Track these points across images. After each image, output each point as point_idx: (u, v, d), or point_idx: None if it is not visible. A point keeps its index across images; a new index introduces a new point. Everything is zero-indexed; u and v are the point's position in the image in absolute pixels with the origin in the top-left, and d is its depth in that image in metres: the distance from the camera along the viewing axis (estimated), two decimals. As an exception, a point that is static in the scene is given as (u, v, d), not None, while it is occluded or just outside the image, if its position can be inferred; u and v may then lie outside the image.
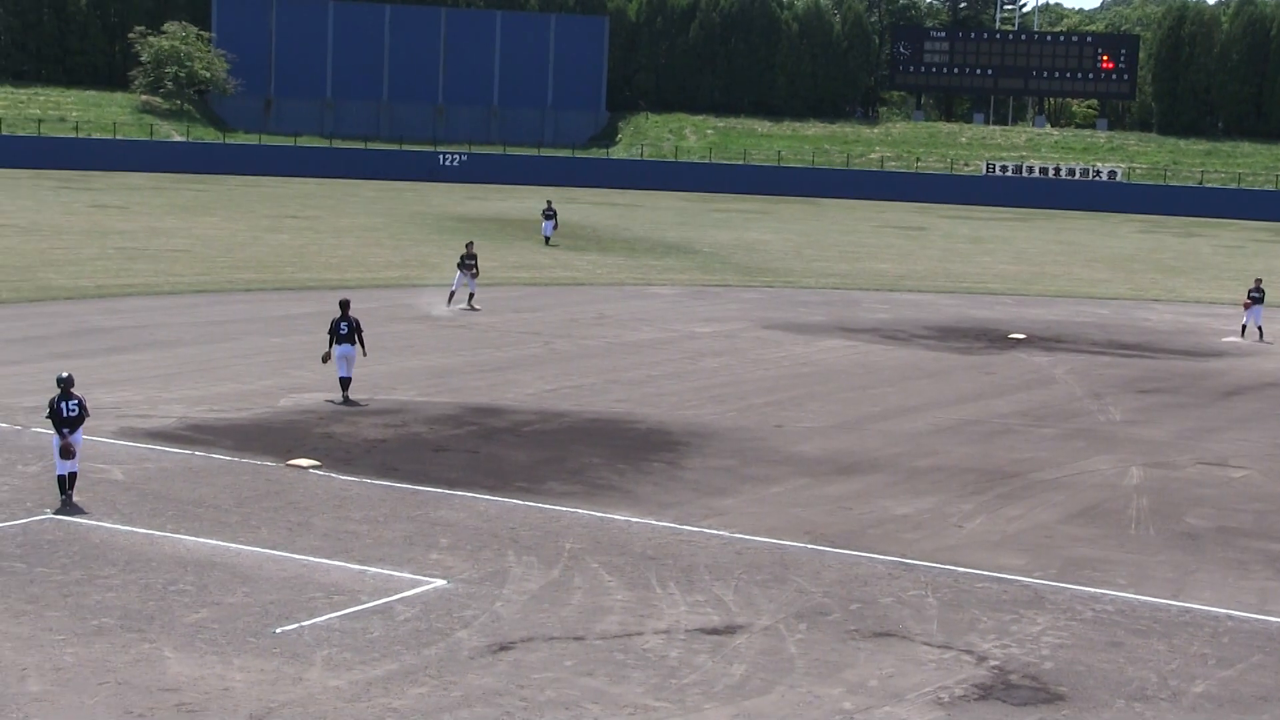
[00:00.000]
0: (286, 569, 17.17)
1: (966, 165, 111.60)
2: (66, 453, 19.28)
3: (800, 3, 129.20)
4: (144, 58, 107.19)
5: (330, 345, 27.27)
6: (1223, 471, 24.77)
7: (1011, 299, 49.92)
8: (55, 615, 15.33)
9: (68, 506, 19.21)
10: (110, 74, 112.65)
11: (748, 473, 23.03)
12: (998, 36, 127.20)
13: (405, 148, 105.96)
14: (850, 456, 24.51)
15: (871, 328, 40.72)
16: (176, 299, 40.35)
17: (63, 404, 19.37)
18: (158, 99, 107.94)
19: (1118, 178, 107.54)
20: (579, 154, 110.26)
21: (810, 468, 23.54)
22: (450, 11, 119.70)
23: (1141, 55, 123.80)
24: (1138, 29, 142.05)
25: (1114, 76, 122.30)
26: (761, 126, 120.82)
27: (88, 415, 19.83)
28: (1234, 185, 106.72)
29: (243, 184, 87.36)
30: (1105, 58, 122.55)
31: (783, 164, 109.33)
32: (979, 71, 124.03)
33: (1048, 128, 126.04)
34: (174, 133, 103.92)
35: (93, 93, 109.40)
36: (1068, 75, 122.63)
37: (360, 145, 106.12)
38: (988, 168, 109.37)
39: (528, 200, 79.45)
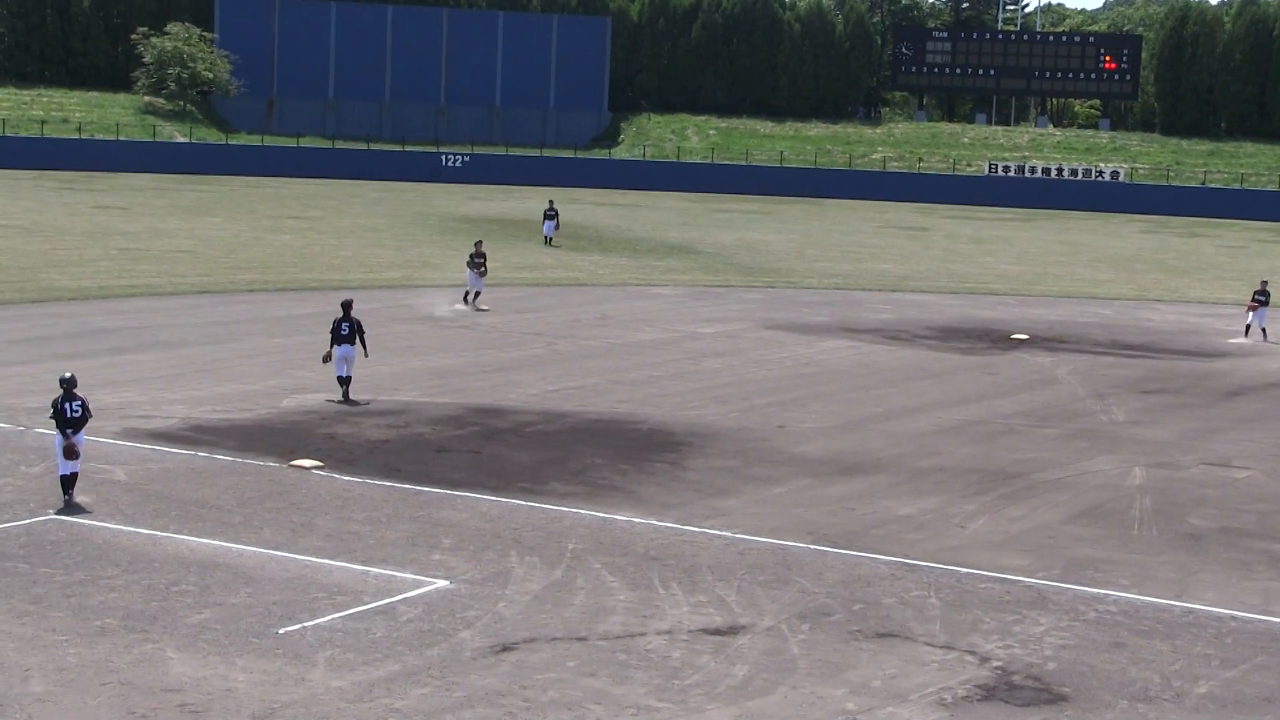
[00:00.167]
0: (289, 569, 17.18)
1: (969, 166, 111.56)
2: (70, 453, 19.31)
3: (802, 3, 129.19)
4: (147, 59, 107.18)
5: (331, 345, 27.32)
6: (1226, 472, 24.75)
7: (1014, 299, 49.90)
8: (58, 616, 15.34)
9: (69, 506, 19.23)
10: (113, 75, 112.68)
11: (750, 473, 23.02)
12: (1000, 37, 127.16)
13: (407, 148, 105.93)
14: (853, 457, 24.50)
15: (874, 328, 40.71)
16: (179, 300, 40.38)
17: (66, 404, 19.40)
18: (160, 100, 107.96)
19: (1120, 178, 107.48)
20: (581, 155, 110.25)
21: (813, 468, 23.53)
22: (452, 12, 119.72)
23: (1144, 55, 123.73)
24: (1140, 29, 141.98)
25: (1116, 77, 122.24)
26: (764, 127, 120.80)
27: (90, 416, 19.85)
28: (1237, 185, 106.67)
29: (245, 185, 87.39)
30: (1108, 58, 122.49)
31: (785, 164, 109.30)
32: (981, 72, 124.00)
33: (1050, 128, 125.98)
34: (176, 134, 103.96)
35: (95, 94, 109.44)
36: (1070, 75, 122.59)
37: (362, 146, 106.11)
38: (990, 168, 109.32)
39: (530, 201, 79.45)
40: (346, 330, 27.06)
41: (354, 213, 72.12)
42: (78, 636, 14.76)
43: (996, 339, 39.80)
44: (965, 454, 25.09)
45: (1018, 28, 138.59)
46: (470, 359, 32.73)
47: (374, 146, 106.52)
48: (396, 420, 25.76)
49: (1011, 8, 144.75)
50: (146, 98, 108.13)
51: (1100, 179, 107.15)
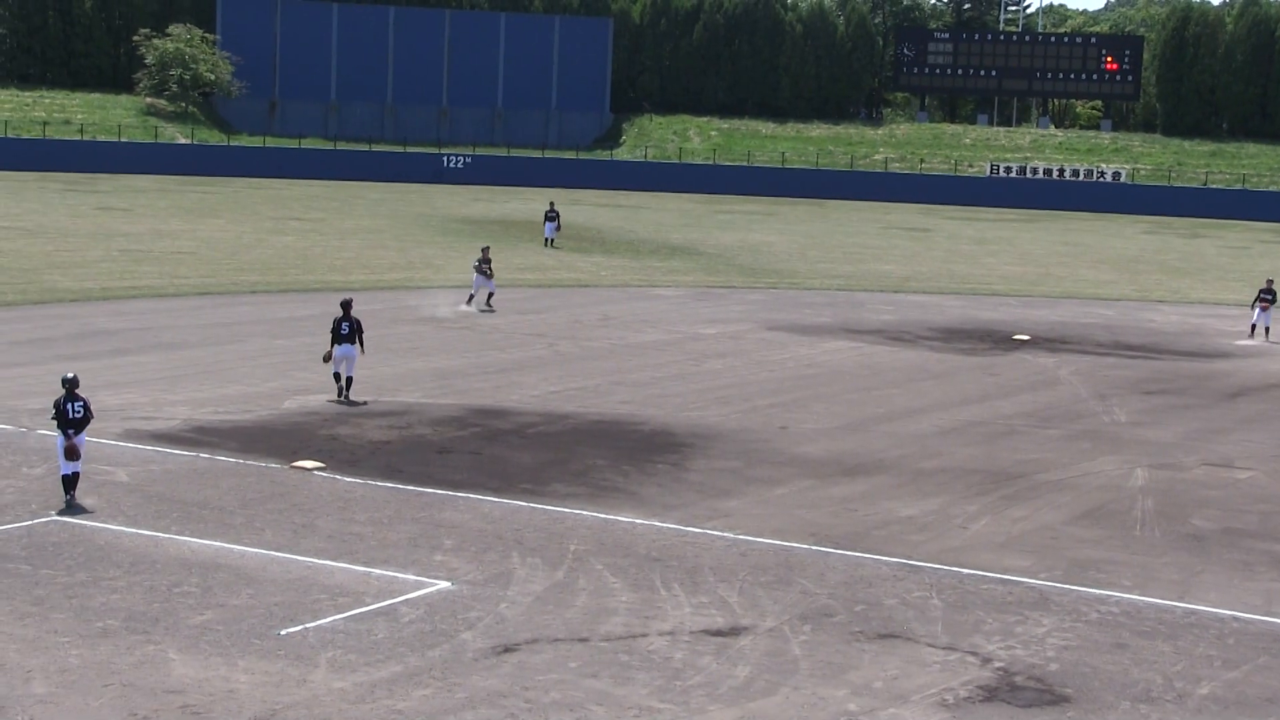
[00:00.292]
0: (291, 571, 17.18)
1: (971, 166, 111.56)
2: (71, 453, 19.32)
3: (804, 4, 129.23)
4: (149, 60, 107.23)
5: (331, 345, 27.34)
6: (1228, 473, 24.74)
7: (1016, 300, 49.89)
8: (60, 617, 15.34)
9: (71, 507, 19.24)
10: (115, 77, 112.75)
11: (752, 474, 23.02)
12: (1002, 38, 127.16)
13: (409, 150, 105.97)
14: (855, 458, 24.49)
15: (876, 329, 40.70)
16: (181, 301, 40.39)
17: (68, 405, 19.41)
18: (162, 101, 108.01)
19: (1122, 179, 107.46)
20: (583, 156, 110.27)
21: (815, 469, 23.53)
22: (454, 13, 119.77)
23: (1146, 56, 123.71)
24: (1142, 30, 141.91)
25: (1118, 77, 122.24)
26: (766, 128, 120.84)
27: (92, 416, 19.86)
28: (1239, 186, 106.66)
29: (247, 186, 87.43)
30: (1109, 59, 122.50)
31: (787, 165, 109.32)
32: (983, 73, 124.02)
33: (1052, 129, 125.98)
34: (179, 135, 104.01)
35: (97, 95, 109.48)
36: (1072, 76, 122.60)
37: (365, 147, 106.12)
38: (992, 169, 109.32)
39: (532, 202, 79.48)
40: (347, 330, 27.07)
41: (356, 214, 72.14)
42: (80, 638, 14.77)
43: (999, 340, 39.78)
44: (967, 455, 25.08)
45: (1019, 29, 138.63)
46: (472, 360, 32.73)
47: (376, 148, 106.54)
48: (398, 421, 25.76)
49: (1013, 9, 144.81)
50: (148, 99, 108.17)
51: (1102, 180, 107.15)
